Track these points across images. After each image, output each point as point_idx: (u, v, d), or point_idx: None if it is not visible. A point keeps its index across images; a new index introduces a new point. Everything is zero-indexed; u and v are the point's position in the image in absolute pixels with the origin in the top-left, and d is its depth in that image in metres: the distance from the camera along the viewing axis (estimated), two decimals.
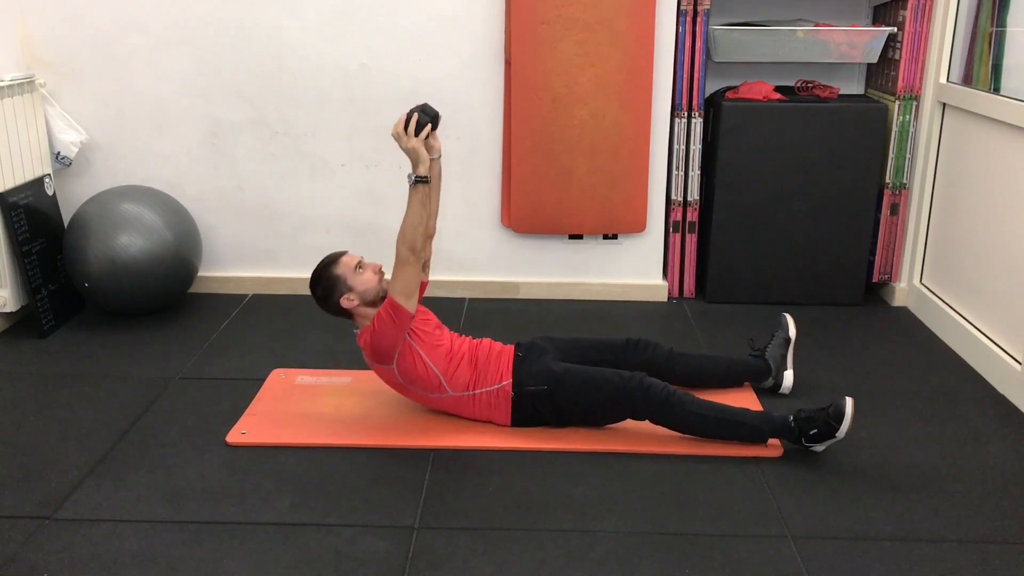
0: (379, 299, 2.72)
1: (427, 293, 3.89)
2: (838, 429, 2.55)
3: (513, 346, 2.84)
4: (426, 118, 2.62)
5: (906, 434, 2.81)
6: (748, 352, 3.10)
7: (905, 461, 2.66)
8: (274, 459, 2.64)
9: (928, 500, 2.46)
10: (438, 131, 2.70)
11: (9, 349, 3.36)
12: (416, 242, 2.57)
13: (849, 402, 2.55)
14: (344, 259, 2.74)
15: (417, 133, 2.59)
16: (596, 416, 2.75)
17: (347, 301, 2.71)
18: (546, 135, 3.67)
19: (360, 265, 2.73)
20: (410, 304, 2.62)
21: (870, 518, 2.38)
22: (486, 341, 2.85)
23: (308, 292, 3.91)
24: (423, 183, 2.59)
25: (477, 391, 2.75)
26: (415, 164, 2.60)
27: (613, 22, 3.54)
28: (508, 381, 2.73)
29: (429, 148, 2.66)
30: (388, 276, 2.73)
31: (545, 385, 2.71)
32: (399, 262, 2.59)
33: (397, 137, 2.61)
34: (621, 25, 3.55)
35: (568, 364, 2.77)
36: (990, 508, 2.43)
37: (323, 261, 2.77)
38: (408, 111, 2.62)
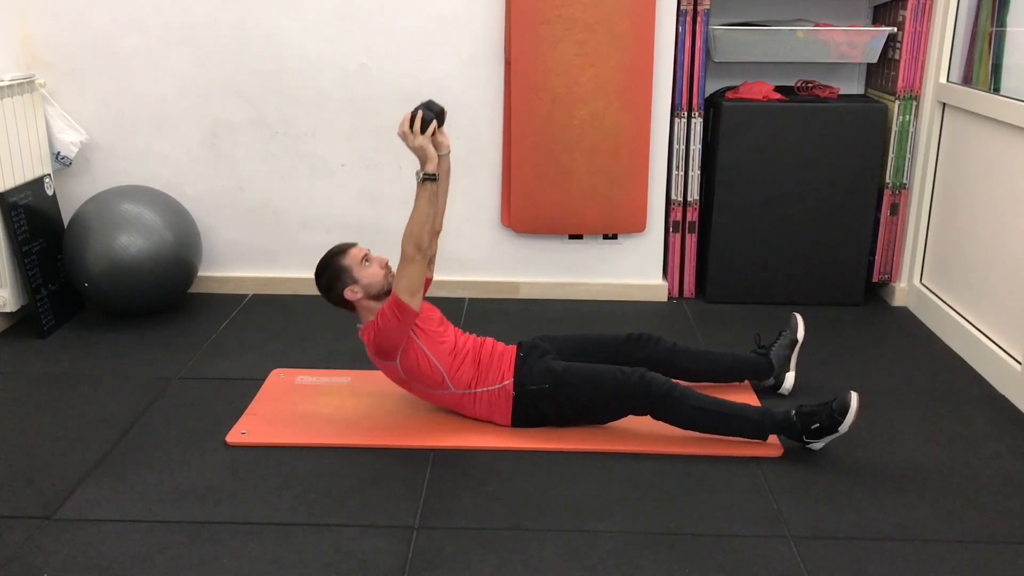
0: (383, 293, 2.71)
1: (427, 292, 3.91)
2: (841, 423, 2.54)
3: (515, 346, 2.84)
4: (431, 115, 2.59)
5: (906, 434, 2.81)
6: (752, 348, 3.10)
7: (905, 461, 2.66)
8: (274, 459, 2.64)
9: (928, 500, 2.46)
10: (444, 127, 2.69)
11: (9, 349, 3.36)
12: (423, 240, 2.56)
13: (854, 397, 2.54)
14: (352, 251, 2.74)
15: (423, 131, 2.58)
16: (598, 413, 2.75)
17: (351, 293, 2.71)
18: (546, 135, 3.67)
19: (367, 258, 2.73)
20: (415, 301, 2.61)
21: (870, 518, 2.38)
22: (489, 341, 2.85)
23: (308, 292, 3.94)
24: (431, 181, 2.58)
25: (478, 390, 2.74)
26: (423, 162, 2.59)
27: (613, 22, 3.54)
28: (509, 381, 2.73)
29: (437, 144, 2.66)
30: (395, 271, 2.73)
31: (546, 384, 2.71)
32: (404, 259, 2.58)
33: (403, 136, 2.60)
34: (621, 25, 3.55)
35: (568, 362, 2.77)
36: (990, 508, 2.43)
37: (330, 250, 2.76)
38: (413, 109, 2.61)
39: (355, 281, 2.70)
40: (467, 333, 2.87)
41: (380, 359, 2.74)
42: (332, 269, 2.72)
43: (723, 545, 2.27)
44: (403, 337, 2.65)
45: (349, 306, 2.75)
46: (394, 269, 2.71)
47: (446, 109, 2.67)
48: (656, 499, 2.45)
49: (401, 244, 2.58)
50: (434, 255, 2.90)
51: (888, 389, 3.11)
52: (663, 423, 2.69)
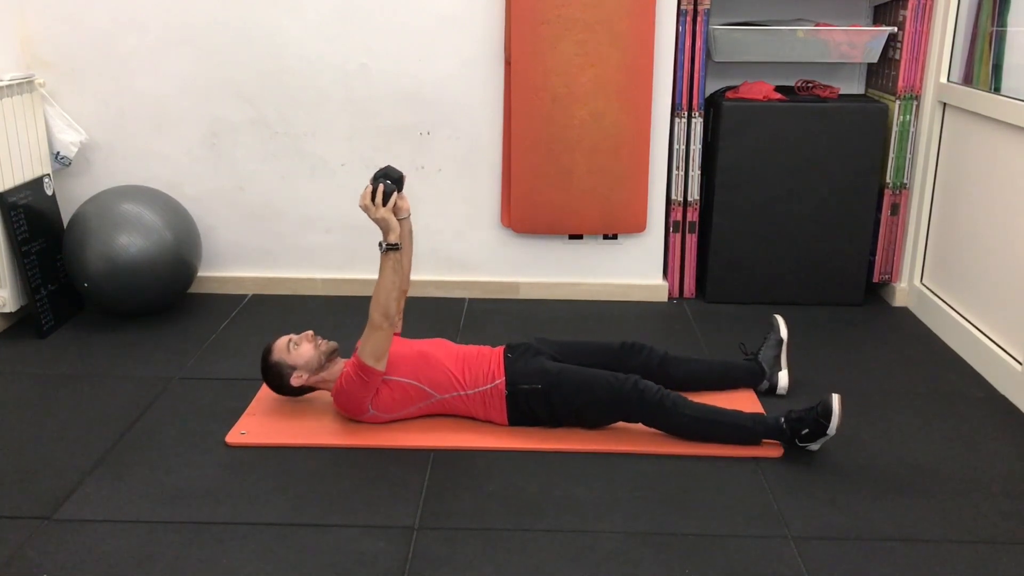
0: (326, 362, 2.77)
1: (427, 294, 3.92)
2: (828, 426, 2.56)
3: (503, 347, 2.84)
4: (392, 186, 2.64)
5: (906, 434, 2.81)
6: (741, 357, 3.10)
7: (905, 461, 2.66)
8: (274, 459, 2.64)
9: (928, 500, 2.46)
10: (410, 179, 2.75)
11: (9, 349, 3.36)
12: (390, 308, 2.61)
13: (836, 398, 2.56)
14: (276, 345, 2.80)
15: (385, 202, 2.62)
16: (590, 417, 2.75)
17: (298, 379, 2.76)
18: (546, 135, 3.67)
19: (292, 341, 2.78)
20: (380, 364, 2.67)
21: (870, 518, 2.38)
22: (474, 347, 2.87)
23: (308, 292, 3.96)
24: (395, 250, 2.62)
25: (469, 391, 2.76)
26: (386, 233, 2.63)
27: (613, 22, 3.54)
28: (501, 380, 2.73)
29: (397, 210, 2.71)
30: (321, 339, 2.79)
31: (539, 384, 2.72)
32: (371, 327, 2.63)
33: (365, 209, 2.63)
34: (621, 25, 3.55)
35: (563, 364, 2.78)
36: (990, 508, 2.43)
37: (261, 356, 2.82)
38: (371, 180, 2.64)
39: (293, 368, 2.75)
40: (417, 339, 2.89)
41: (357, 416, 2.78)
42: (270, 370, 2.79)
43: (723, 545, 2.27)
44: (369, 394, 2.71)
45: (307, 389, 2.82)
46: (319, 339, 2.79)
47: (405, 174, 2.71)
48: (656, 499, 2.45)
49: (369, 311, 2.63)
50: (401, 312, 2.93)
51: (888, 389, 3.11)
52: None
